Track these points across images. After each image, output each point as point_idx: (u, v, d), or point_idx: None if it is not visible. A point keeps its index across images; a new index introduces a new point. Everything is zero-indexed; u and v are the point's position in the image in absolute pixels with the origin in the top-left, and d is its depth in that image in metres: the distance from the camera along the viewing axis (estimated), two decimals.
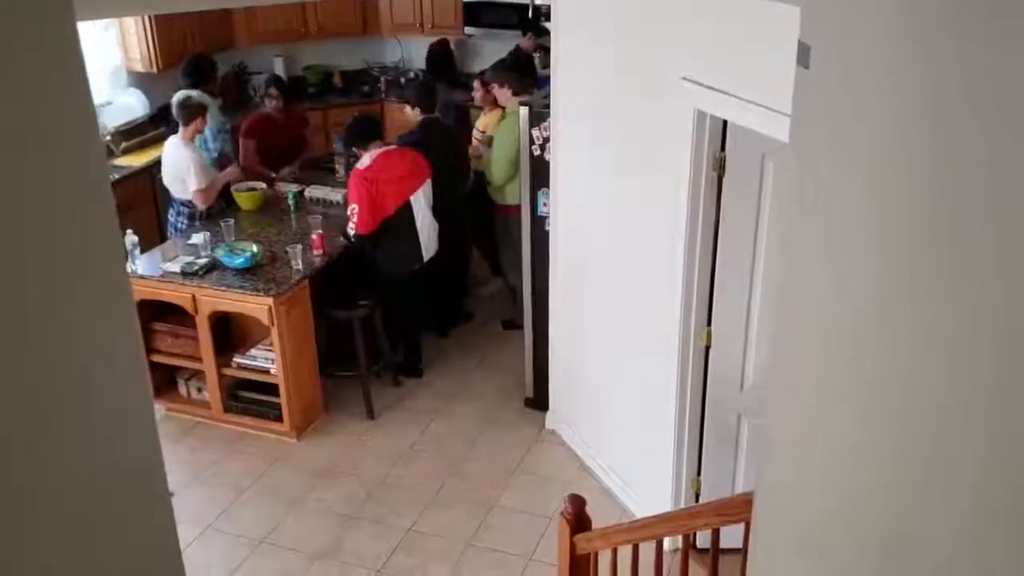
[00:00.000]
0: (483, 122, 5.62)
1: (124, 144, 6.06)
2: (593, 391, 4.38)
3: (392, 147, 4.83)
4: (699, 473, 3.82)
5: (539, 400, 4.90)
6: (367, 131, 4.82)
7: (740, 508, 2.13)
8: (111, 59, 6.30)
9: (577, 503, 2.64)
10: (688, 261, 3.53)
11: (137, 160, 5.94)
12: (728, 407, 3.69)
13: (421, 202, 4.79)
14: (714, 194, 3.43)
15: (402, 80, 7.50)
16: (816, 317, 1.51)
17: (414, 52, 7.65)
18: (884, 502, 1.31)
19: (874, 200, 1.29)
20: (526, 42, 6.69)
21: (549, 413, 4.80)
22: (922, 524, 1.24)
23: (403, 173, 4.73)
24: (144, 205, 5.78)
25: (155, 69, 6.23)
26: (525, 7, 6.99)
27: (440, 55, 7.06)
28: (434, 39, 7.35)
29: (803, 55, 1.49)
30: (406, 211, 4.72)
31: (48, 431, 1.08)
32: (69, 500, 1.13)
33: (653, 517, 2.58)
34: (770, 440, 1.74)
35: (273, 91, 5.68)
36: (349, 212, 4.71)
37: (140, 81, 6.35)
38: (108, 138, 6.08)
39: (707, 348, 3.66)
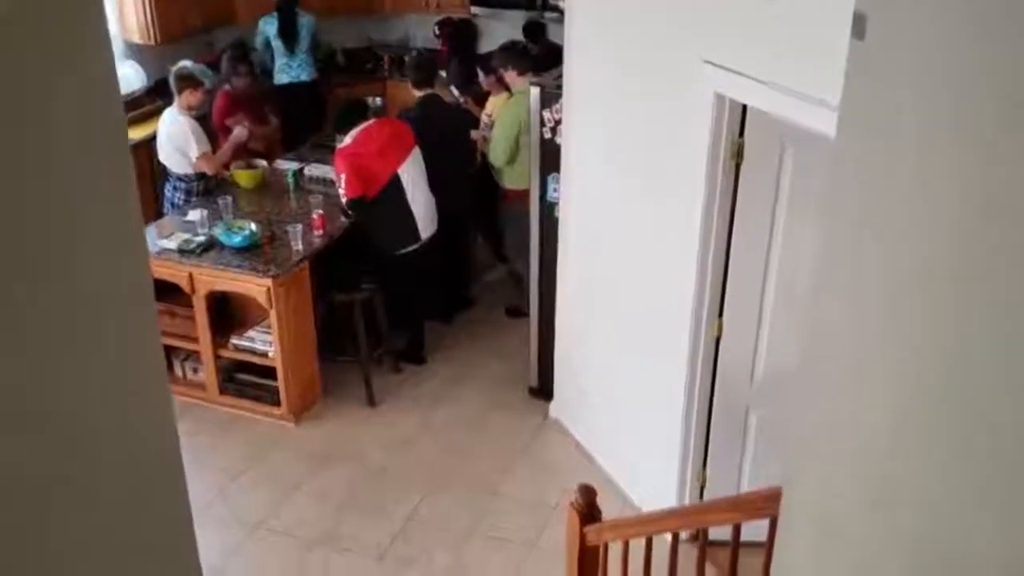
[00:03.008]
0: (491, 105, 5.52)
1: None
2: (598, 380, 4.30)
3: (371, 122, 4.73)
4: (705, 466, 3.74)
5: (543, 389, 4.82)
6: (351, 116, 4.75)
7: (761, 504, 2.05)
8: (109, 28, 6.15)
9: (588, 494, 2.56)
10: (702, 249, 3.44)
11: (134, 134, 5.80)
12: (737, 399, 3.61)
13: (410, 175, 4.69)
14: (731, 181, 3.34)
15: (405, 58, 7.37)
16: (852, 306, 1.44)
17: (419, 31, 7.52)
18: (918, 494, 1.26)
19: (922, 184, 1.22)
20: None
21: (553, 402, 4.72)
22: (958, 518, 1.17)
23: (383, 144, 4.64)
24: (141, 180, 5.62)
25: (153, 41, 6.10)
26: None
27: (463, 32, 6.82)
28: (439, 17, 7.23)
29: (858, 26, 1.40)
30: (395, 184, 4.62)
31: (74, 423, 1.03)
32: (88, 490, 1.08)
33: (668, 511, 2.51)
34: (801, 431, 1.66)
35: (242, 68, 5.57)
36: (336, 183, 4.63)
37: (138, 53, 6.21)
38: None
39: (717, 339, 3.58)
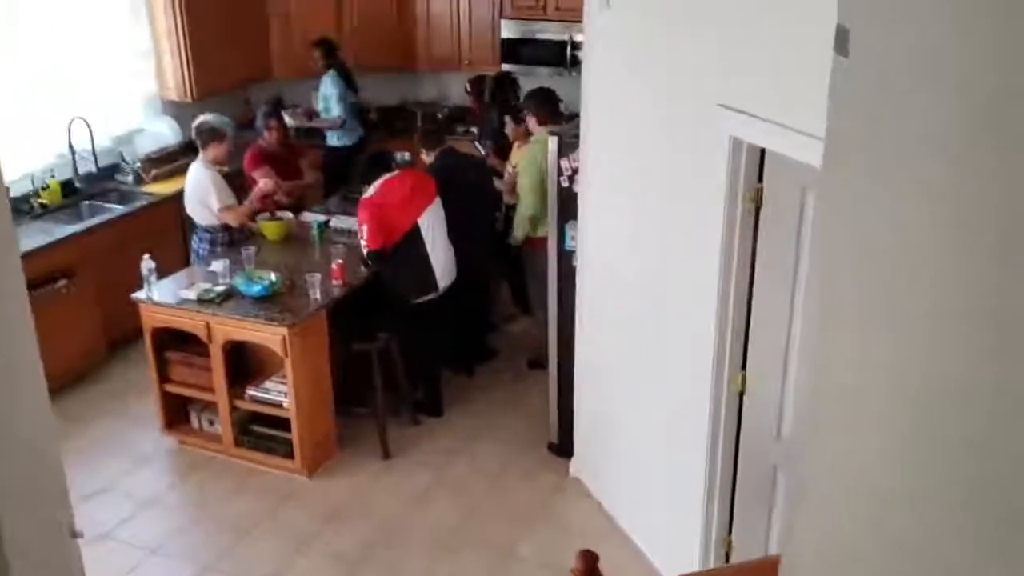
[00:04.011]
0: (515, 156, 5.49)
1: (154, 172, 6.02)
2: (619, 438, 4.13)
3: (395, 173, 4.72)
4: (730, 531, 3.53)
5: (563, 446, 4.65)
6: (376, 166, 4.76)
7: (769, 572, 1.87)
8: (146, 87, 6.30)
9: (588, 560, 2.38)
10: (722, 299, 3.30)
11: (165, 188, 5.89)
12: (763, 458, 3.41)
13: (430, 225, 4.64)
14: (750, 227, 3.21)
15: (438, 115, 7.43)
16: (855, 344, 1.31)
17: (452, 88, 7.58)
18: (938, 552, 1.12)
19: (919, 206, 1.11)
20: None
21: (573, 460, 4.54)
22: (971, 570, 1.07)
23: (406, 194, 4.63)
24: (171, 232, 5.70)
25: (190, 98, 6.21)
26: (564, 44, 6.89)
27: (504, 85, 6.76)
28: (471, 75, 7.27)
29: (841, 41, 1.29)
30: (415, 233, 4.58)
31: None
32: None
33: None
34: (804, 486, 1.51)
35: (272, 122, 5.61)
36: (359, 233, 4.60)
37: (174, 109, 6.33)
38: (138, 165, 6.06)
39: (741, 394, 3.41)
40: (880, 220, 1.22)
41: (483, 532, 4.19)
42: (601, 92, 3.92)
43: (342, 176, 6.20)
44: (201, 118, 5.11)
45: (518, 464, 4.65)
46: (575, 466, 4.52)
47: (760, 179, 3.16)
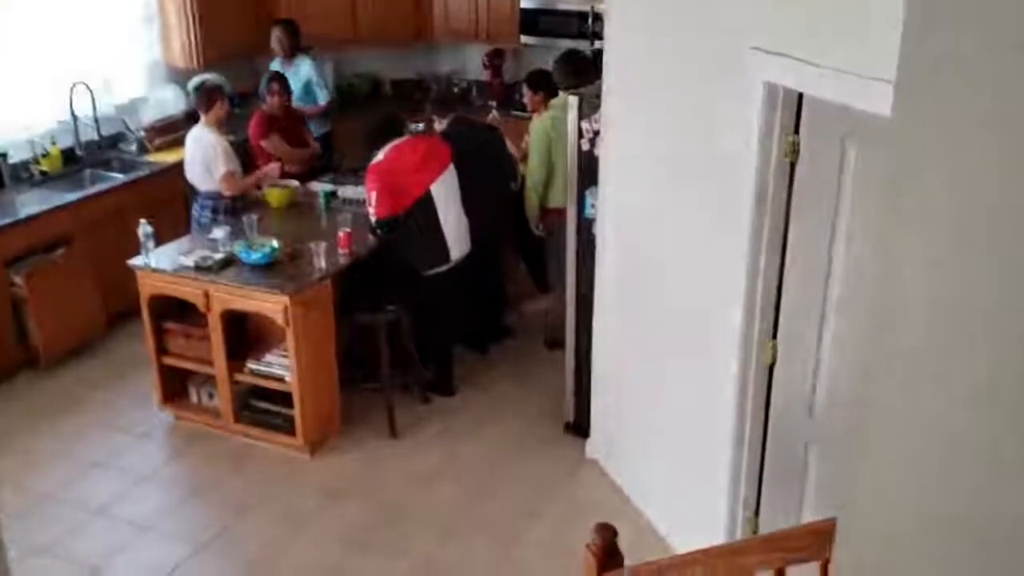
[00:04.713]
0: (532, 127, 5.25)
1: (158, 140, 5.83)
2: (639, 414, 3.88)
3: (406, 138, 4.50)
4: (757, 512, 3.28)
5: (580, 425, 4.41)
6: (384, 132, 4.53)
7: (805, 541, 1.62)
8: (150, 53, 6.10)
9: (605, 533, 2.15)
10: (752, 263, 3.04)
11: (170, 156, 5.69)
12: (794, 435, 3.15)
13: (443, 193, 4.40)
14: (784, 184, 2.95)
15: (455, 89, 7.21)
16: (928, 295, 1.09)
17: (469, 62, 7.34)
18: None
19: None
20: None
21: (590, 440, 4.30)
22: None
23: (418, 161, 4.39)
24: (174, 201, 5.49)
25: (195, 64, 6.01)
26: (584, 15, 6.62)
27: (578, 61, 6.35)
28: (488, 48, 7.04)
29: None
30: (427, 202, 4.34)
31: None
32: None
33: (698, 552, 2.08)
34: (864, 451, 1.26)
35: (275, 86, 5.38)
36: (367, 202, 4.36)
37: (179, 76, 6.12)
38: (142, 133, 5.86)
39: (771, 366, 3.15)
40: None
41: (492, 514, 3.95)
42: (624, 46, 3.67)
43: (327, 167, 5.87)
44: (199, 78, 4.90)
45: (532, 445, 4.42)
46: (592, 446, 4.27)
47: (796, 130, 2.90)
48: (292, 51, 6.09)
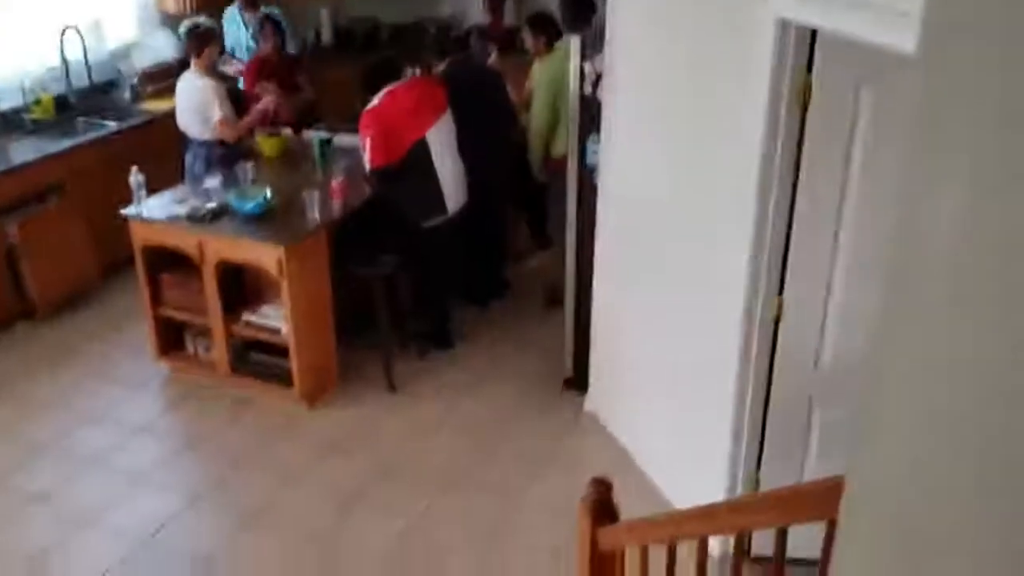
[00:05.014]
0: (534, 71, 5.09)
1: (151, 87, 5.68)
2: (639, 369, 3.80)
3: (402, 81, 4.35)
4: (759, 468, 3.21)
5: (579, 380, 4.33)
6: (381, 75, 4.36)
7: (816, 497, 1.54)
8: None
9: (601, 488, 2.09)
10: (759, 214, 2.93)
11: (163, 104, 5.54)
12: (798, 391, 3.07)
13: (439, 140, 4.27)
14: (795, 128, 2.82)
15: (454, 33, 7.00)
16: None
17: (468, 5, 7.13)
18: None
19: None
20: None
21: (588, 393, 4.23)
22: None
23: (413, 105, 4.25)
24: (169, 150, 5.35)
25: (188, 9, 5.83)
26: None
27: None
28: None
29: None
30: (422, 149, 4.21)
31: None
32: None
33: (696, 509, 2.01)
34: (874, 406, 1.17)
35: (268, 29, 5.21)
36: (362, 147, 4.24)
37: (172, 22, 5.95)
38: (135, 81, 5.72)
39: (776, 320, 3.05)
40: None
41: (491, 469, 3.90)
42: None
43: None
44: (190, 21, 4.74)
45: (531, 400, 4.35)
46: (590, 401, 4.21)
47: (809, 71, 2.76)
48: (255, 3, 5.78)
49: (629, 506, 2.41)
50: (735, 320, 3.08)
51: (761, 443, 3.18)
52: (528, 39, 5.14)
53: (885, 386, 1.09)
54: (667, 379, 3.59)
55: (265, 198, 4.17)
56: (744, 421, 3.16)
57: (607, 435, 4.06)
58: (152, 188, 4.41)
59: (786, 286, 3.01)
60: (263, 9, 5.70)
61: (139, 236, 4.26)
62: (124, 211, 4.25)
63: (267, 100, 5.00)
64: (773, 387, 3.11)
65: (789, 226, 2.94)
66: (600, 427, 4.12)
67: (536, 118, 4.71)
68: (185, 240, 4.14)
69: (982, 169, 0.93)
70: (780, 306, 3.04)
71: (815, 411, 3.09)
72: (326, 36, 7.06)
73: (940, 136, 1.02)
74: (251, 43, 5.65)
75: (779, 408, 3.14)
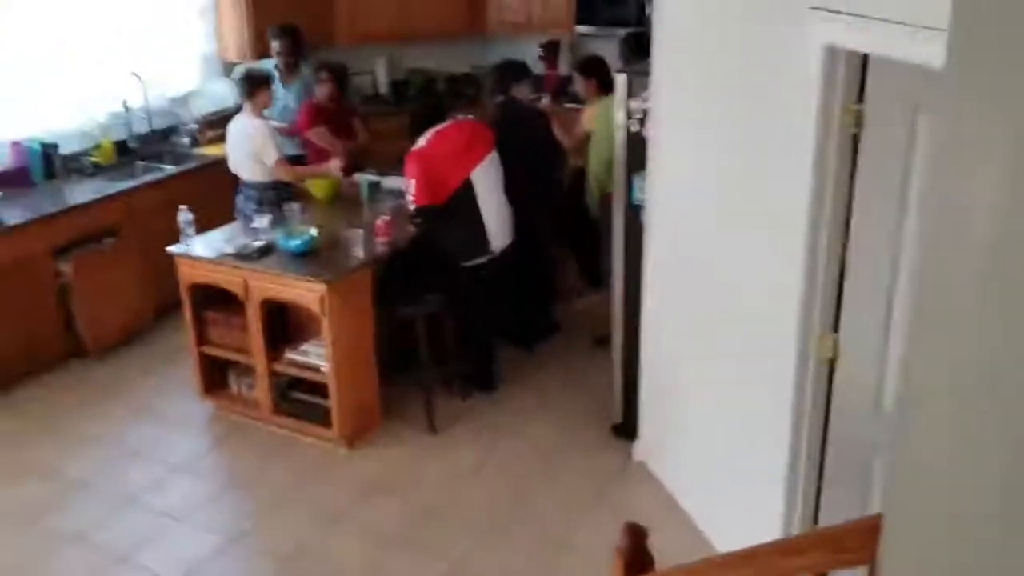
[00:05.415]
0: (586, 114, 5.06)
1: (210, 133, 5.81)
2: (690, 414, 3.64)
3: (449, 123, 4.35)
4: (816, 520, 3.01)
5: (628, 427, 4.18)
6: (428, 118, 4.37)
7: (861, 539, 1.39)
8: (205, 46, 6.10)
9: (636, 535, 1.95)
10: (810, 248, 2.79)
11: (221, 149, 5.62)
12: (857, 437, 2.87)
13: (484, 180, 4.24)
14: (847, 158, 2.69)
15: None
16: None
17: (523, 54, 7.15)
18: None
19: None
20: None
21: (637, 442, 4.07)
22: None
23: (459, 147, 4.24)
24: (224, 192, 5.42)
25: (249, 59, 5.96)
26: (642, 2, 6.40)
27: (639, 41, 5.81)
28: (543, 39, 6.87)
29: None
30: (467, 189, 4.18)
31: None
32: None
33: (735, 554, 1.85)
34: (910, 428, 1.04)
35: (324, 75, 5.27)
36: (406, 188, 4.22)
37: (231, 70, 6.09)
38: (195, 126, 5.86)
39: (831, 360, 2.88)
40: None
41: (533, 516, 3.76)
42: (674, 17, 3.44)
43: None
44: (244, 67, 4.84)
45: (576, 445, 4.20)
46: (640, 448, 4.04)
47: (861, 99, 2.64)
48: (296, 65, 5.53)
49: (677, 558, 2.25)
50: (788, 361, 2.92)
51: (817, 496, 2.98)
52: (579, 83, 5.13)
53: (918, 424, 0.97)
54: (720, 426, 3.42)
55: (311, 236, 4.17)
56: (799, 472, 2.97)
57: (656, 484, 3.88)
58: (205, 228, 4.46)
59: (841, 323, 2.85)
60: (320, 57, 5.80)
61: (186, 274, 4.29)
62: (171, 249, 4.29)
63: (334, 163, 4.95)
64: (830, 432, 2.93)
65: (843, 258, 2.80)
66: (649, 476, 3.94)
67: (593, 159, 4.66)
68: (230, 278, 4.15)
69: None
70: (836, 345, 2.87)
71: (877, 458, 2.89)
72: (382, 86, 7.16)
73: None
74: (293, 104, 5.55)
75: (837, 455, 2.94)
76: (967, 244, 0.90)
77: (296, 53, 5.54)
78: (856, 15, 2.43)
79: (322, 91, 5.31)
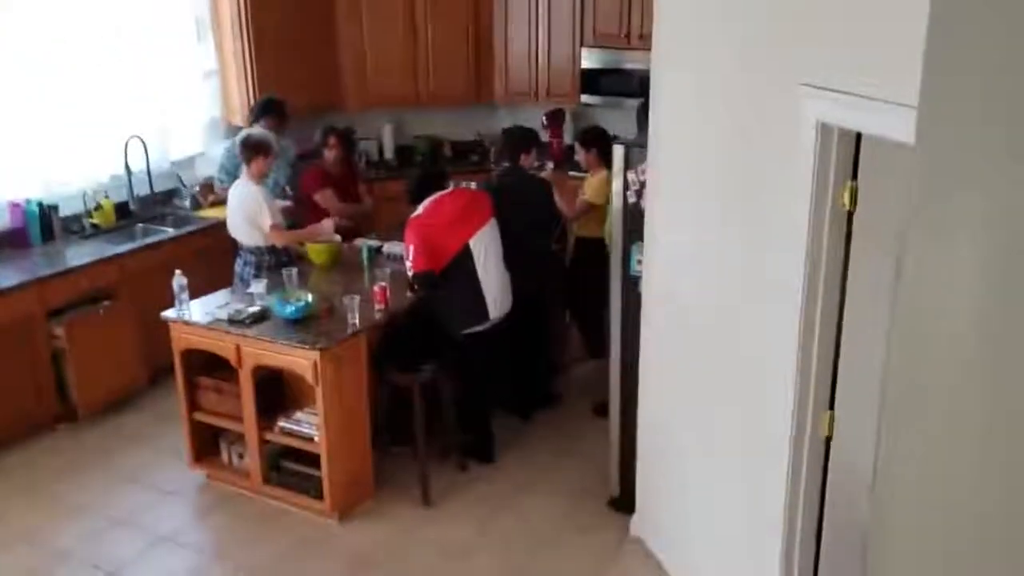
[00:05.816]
0: (587, 185, 5.09)
1: (211, 196, 5.83)
2: (686, 490, 3.54)
3: (447, 191, 4.37)
4: None
5: (626, 501, 4.07)
6: (428, 186, 4.39)
7: None
8: (210, 110, 6.17)
9: None
10: (806, 325, 2.74)
11: (221, 212, 5.65)
12: (854, 517, 2.78)
13: (482, 247, 4.23)
14: (841, 235, 2.67)
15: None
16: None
17: (527, 122, 7.21)
18: None
19: None
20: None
21: (634, 517, 3.96)
22: None
23: (457, 214, 4.25)
24: (223, 256, 5.43)
25: (254, 122, 6.02)
26: (647, 74, 6.46)
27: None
28: (549, 108, 6.93)
29: None
30: (465, 256, 4.17)
31: None
32: None
33: None
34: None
35: (332, 140, 5.31)
36: (405, 255, 4.21)
37: (237, 133, 6.15)
38: (196, 189, 5.89)
39: (828, 439, 2.81)
40: None
41: None
42: (671, 92, 3.46)
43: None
44: (245, 131, 4.88)
45: (573, 520, 4.10)
46: (636, 524, 3.94)
47: (855, 176, 2.62)
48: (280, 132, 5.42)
49: None
50: (783, 440, 2.85)
51: (815, 572, 2.88)
52: (580, 154, 5.16)
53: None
54: (716, 504, 3.32)
55: (306, 302, 4.14)
56: (795, 551, 2.88)
57: (654, 563, 3.77)
58: (203, 292, 4.44)
59: (837, 401, 2.79)
60: (329, 124, 5.86)
61: (179, 339, 4.26)
62: (164, 314, 4.26)
63: (326, 223, 4.97)
64: (826, 512, 2.84)
65: (838, 334, 2.75)
66: (646, 553, 3.83)
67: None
68: (222, 344, 4.11)
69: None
70: (831, 423, 2.80)
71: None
72: (388, 151, 7.22)
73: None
74: (283, 180, 5.57)
75: (835, 536, 2.85)
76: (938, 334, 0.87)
77: (280, 128, 5.49)
78: (843, 92, 2.42)
79: (329, 155, 5.34)
